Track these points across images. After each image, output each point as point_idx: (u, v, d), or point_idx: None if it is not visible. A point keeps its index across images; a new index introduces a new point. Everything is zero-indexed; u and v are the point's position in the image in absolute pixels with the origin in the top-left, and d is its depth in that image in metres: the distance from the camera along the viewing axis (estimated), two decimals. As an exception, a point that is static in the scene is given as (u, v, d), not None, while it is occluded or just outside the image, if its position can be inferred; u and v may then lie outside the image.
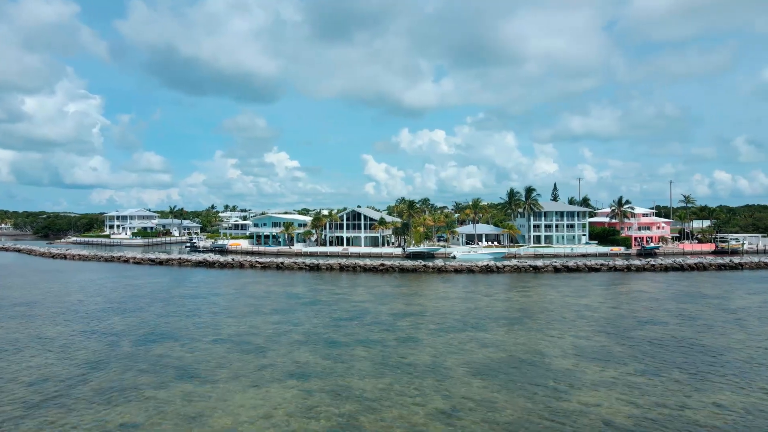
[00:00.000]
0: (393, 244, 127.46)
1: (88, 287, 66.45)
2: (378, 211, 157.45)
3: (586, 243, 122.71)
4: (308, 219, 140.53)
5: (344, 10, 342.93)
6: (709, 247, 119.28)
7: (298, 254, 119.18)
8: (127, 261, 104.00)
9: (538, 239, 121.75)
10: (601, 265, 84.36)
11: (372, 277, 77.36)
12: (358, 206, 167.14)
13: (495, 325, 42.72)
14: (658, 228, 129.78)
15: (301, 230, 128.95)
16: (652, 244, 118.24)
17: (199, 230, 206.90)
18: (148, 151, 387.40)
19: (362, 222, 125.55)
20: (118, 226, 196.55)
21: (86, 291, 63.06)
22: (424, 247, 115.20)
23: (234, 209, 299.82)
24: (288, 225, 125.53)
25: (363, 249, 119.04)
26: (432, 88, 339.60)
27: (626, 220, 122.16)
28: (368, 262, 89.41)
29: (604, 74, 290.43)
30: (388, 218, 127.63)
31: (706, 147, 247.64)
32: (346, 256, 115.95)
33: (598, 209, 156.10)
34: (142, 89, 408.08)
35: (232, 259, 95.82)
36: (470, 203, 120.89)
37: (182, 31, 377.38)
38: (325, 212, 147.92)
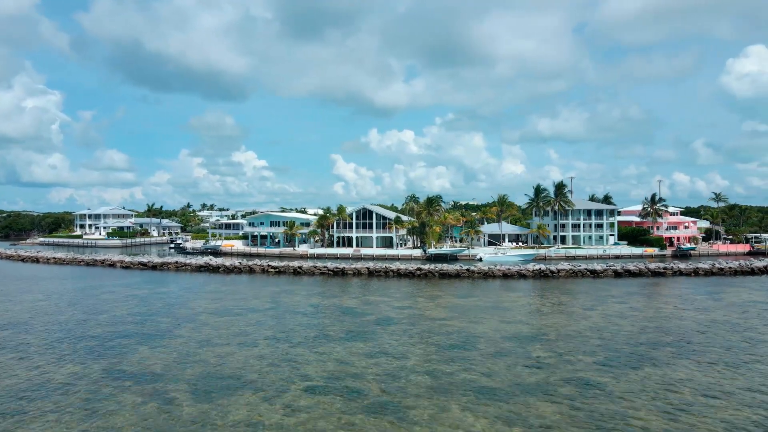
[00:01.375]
0: (406, 245, 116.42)
1: (81, 299, 53.42)
2: (388, 208, 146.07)
3: (615, 244, 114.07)
4: (311, 217, 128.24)
5: (315, 7, 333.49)
6: (743, 247, 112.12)
7: (303, 256, 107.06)
8: (113, 265, 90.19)
9: (562, 239, 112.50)
10: (665, 268, 75.07)
11: (413, 283, 66.20)
12: (377, 204, 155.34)
13: (662, 355, 32.21)
14: (686, 227, 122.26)
15: (306, 230, 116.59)
16: (687, 245, 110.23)
17: (179, 230, 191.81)
18: (110, 149, 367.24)
19: (374, 221, 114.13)
20: (90, 226, 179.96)
21: (81, 305, 50.09)
22: (446, 248, 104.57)
23: (212, 208, 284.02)
24: (291, 224, 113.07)
25: (376, 250, 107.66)
26: (403, 88, 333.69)
27: (659, 219, 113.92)
28: (400, 266, 78.13)
29: (573, 77, 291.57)
30: (404, 217, 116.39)
31: (667, 149, 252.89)
32: (359, 258, 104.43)
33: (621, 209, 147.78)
34: (105, 85, 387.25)
35: (239, 263, 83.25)
36: (495, 199, 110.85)
37: (148, 25, 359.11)
38: (315, 210, 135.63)
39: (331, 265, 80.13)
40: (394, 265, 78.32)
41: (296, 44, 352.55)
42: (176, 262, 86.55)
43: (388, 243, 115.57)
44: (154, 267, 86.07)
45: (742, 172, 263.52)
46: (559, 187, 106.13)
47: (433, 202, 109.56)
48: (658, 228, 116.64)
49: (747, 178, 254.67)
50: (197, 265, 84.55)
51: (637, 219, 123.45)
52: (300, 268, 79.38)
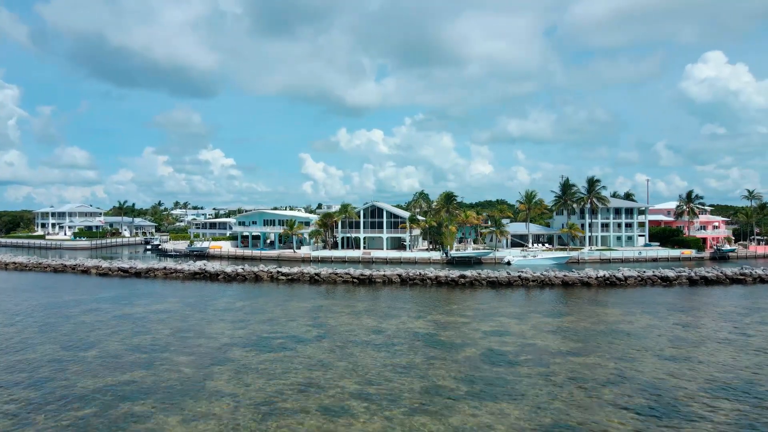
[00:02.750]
0: (417, 246, 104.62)
1: (54, 323, 39.79)
2: (402, 207, 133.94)
3: (646, 245, 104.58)
4: (311, 216, 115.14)
5: (287, 3, 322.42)
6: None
7: (306, 260, 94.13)
8: (86, 271, 75.71)
9: (589, 240, 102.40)
10: (742, 275, 65.06)
11: (464, 294, 54.38)
12: (395, 204, 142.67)
13: None
14: (715, 227, 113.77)
15: (307, 230, 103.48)
16: (726, 246, 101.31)
17: (153, 230, 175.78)
18: (71, 146, 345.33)
19: (384, 220, 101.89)
20: (53, 225, 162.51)
21: (57, 333, 36.52)
22: (470, 250, 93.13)
23: (185, 206, 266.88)
24: (291, 223, 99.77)
25: (389, 253, 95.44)
26: (375, 87, 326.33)
27: (695, 219, 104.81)
28: (439, 273, 66.14)
29: (542, 78, 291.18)
30: (419, 216, 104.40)
31: (631, 151, 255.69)
32: (370, 261, 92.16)
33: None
34: (66, 80, 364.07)
35: (242, 269, 69.99)
36: (523, 196, 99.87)
37: (112, 18, 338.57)
38: (314, 208, 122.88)
39: (355, 271, 67.55)
40: (430, 272, 66.26)
41: (266, 40, 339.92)
42: (164, 269, 72.65)
43: (397, 244, 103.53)
44: (137, 274, 72.07)
45: (700, 174, 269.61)
46: (592, 182, 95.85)
47: (451, 198, 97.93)
48: (689, 228, 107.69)
49: (705, 179, 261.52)
50: (191, 272, 70.91)
51: (665, 218, 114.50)
52: (318, 275, 66.62)
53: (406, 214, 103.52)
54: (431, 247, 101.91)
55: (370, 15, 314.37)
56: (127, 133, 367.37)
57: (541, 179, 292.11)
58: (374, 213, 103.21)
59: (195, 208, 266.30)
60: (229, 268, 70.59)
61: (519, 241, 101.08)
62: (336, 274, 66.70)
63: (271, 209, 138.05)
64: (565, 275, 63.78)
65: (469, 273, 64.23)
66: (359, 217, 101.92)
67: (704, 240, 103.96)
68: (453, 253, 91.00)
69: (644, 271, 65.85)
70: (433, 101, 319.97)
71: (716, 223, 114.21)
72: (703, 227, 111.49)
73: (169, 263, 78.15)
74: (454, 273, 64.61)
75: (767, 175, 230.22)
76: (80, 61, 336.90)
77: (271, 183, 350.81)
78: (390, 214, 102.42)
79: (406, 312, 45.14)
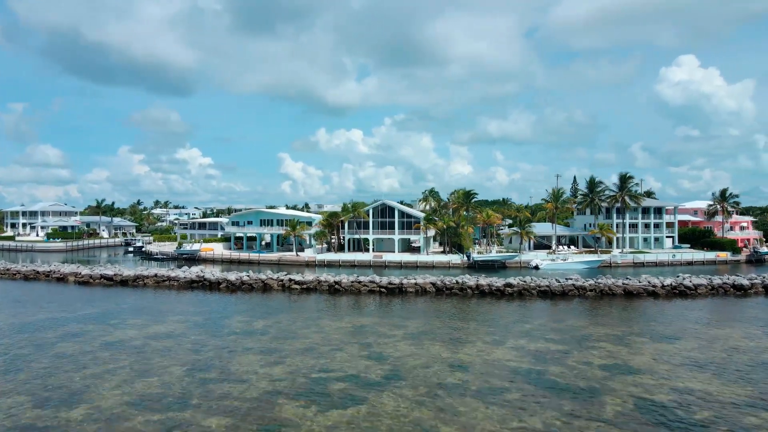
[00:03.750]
0: (430, 249, 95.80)
1: (28, 356, 29.87)
2: (411, 206, 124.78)
3: (675, 246, 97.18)
4: (314, 216, 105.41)
5: (268, 1, 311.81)
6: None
7: (310, 264, 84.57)
8: (63, 279, 65.12)
9: (617, 242, 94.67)
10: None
11: (520, 306, 45.56)
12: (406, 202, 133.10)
13: None
14: (742, 228, 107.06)
15: (311, 230, 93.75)
16: (763, 249, 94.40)
17: (134, 230, 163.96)
18: (43, 144, 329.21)
19: (395, 220, 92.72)
20: (25, 225, 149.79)
21: (30, 376, 26.64)
22: (494, 254, 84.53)
23: (166, 205, 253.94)
24: (294, 224, 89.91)
25: (403, 256, 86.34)
26: (356, 86, 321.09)
27: (728, 219, 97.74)
28: (480, 281, 57.23)
29: (523, 79, 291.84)
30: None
31: (608, 153, 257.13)
32: (382, 265, 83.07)
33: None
34: (39, 76, 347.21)
35: (248, 276, 60.27)
36: (550, 194, 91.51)
37: (88, 13, 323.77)
38: (300, 207, 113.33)
39: (381, 279, 58.26)
40: (469, 279, 57.30)
41: (247, 38, 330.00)
42: (156, 276, 62.51)
43: (406, 246, 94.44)
44: (124, 282, 61.80)
45: (674, 175, 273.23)
46: (624, 179, 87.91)
47: (471, 196, 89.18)
48: (722, 228, 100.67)
49: (678, 180, 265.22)
50: (187, 280, 60.94)
51: (693, 218, 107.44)
52: (338, 284, 57.24)
53: (419, 214, 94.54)
54: (447, 250, 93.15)
55: (352, 14, 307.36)
56: (102, 131, 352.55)
57: (520, 180, 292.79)
58: (384, 212, 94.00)
59: (177, 207, 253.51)
60: (232, 275, 60.69)
61: (545, 243, 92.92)
62: (359, 282, 57.39)
63: (267, 208, 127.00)
64: (624, 283, 55.39)
65: (515, 281, 55.45)
66: (369, 216, 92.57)
67: (737, 241, 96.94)
68: (476, 256, 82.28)
69: (710, 278, 57.82)
70: (414, 101, 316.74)
71: (744, 224, 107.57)
72: (731, 228, 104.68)
73: (159, 269, 67.84)
74: (498, 281, 55.73)
75: (738, 176, 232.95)
76: (55, 57, 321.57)
77: (249, 183, 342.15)
78: (402, 214, 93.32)
79: (475, 334, 36.10)
